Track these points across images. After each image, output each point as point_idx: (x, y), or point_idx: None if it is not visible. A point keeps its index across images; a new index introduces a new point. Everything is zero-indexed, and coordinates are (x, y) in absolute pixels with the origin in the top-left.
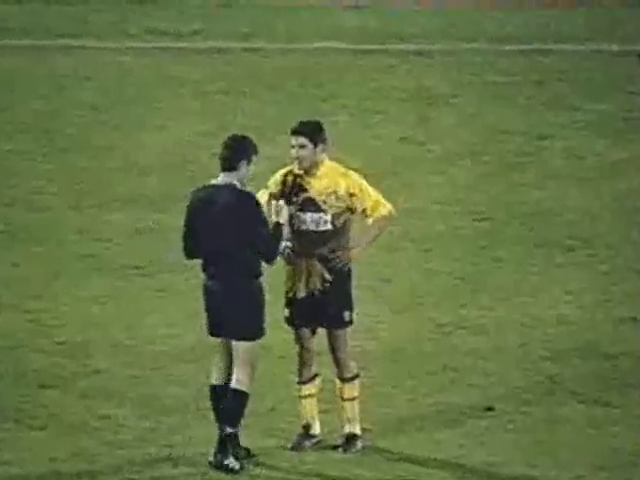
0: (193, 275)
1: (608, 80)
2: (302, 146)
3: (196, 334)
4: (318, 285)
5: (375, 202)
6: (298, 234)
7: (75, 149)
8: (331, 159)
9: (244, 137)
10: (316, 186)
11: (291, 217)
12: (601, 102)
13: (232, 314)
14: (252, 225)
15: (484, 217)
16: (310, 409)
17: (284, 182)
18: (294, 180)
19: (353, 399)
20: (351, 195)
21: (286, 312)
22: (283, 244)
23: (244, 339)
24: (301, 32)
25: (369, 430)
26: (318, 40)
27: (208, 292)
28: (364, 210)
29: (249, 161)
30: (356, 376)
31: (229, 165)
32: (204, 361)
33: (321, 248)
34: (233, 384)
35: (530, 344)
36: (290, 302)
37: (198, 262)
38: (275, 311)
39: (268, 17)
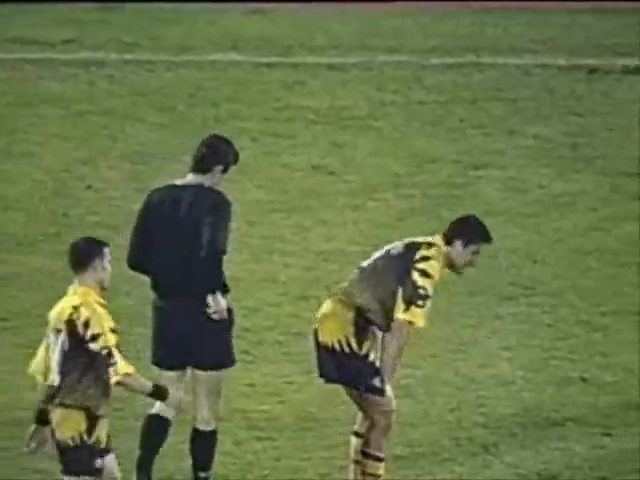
0: None
1: (553, 100)
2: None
3: None
4: None
5: None
6: None
7: None
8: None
9: (227, 140)
10: None
11: None
12: (545, 125)
13: (196, 339)
14: (218, 226)
15: None
16: None
17: None
18: None
19: None
20: None
21: None
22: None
23: (212, 368)
24: (193, 42)
25: None
26: (213, 51)
27: (161, 315)
28: None
29: (226, 169)
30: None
31: (202, 166)
32: None
33: None
34: (201, 425)
35: (462, 409)
36: None
37: None
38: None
39: (154, 24)
